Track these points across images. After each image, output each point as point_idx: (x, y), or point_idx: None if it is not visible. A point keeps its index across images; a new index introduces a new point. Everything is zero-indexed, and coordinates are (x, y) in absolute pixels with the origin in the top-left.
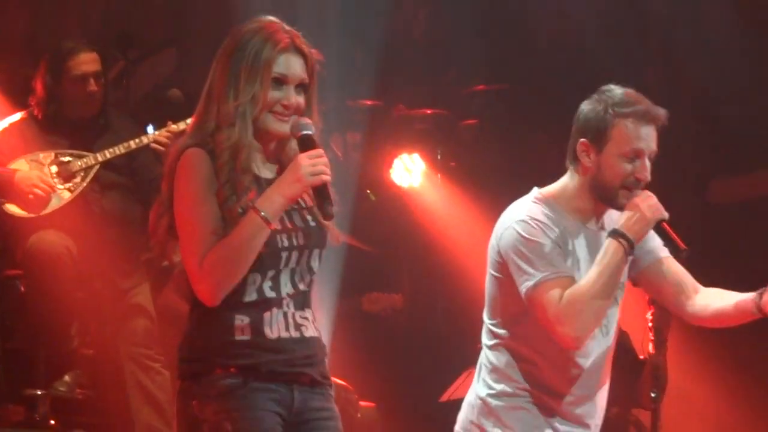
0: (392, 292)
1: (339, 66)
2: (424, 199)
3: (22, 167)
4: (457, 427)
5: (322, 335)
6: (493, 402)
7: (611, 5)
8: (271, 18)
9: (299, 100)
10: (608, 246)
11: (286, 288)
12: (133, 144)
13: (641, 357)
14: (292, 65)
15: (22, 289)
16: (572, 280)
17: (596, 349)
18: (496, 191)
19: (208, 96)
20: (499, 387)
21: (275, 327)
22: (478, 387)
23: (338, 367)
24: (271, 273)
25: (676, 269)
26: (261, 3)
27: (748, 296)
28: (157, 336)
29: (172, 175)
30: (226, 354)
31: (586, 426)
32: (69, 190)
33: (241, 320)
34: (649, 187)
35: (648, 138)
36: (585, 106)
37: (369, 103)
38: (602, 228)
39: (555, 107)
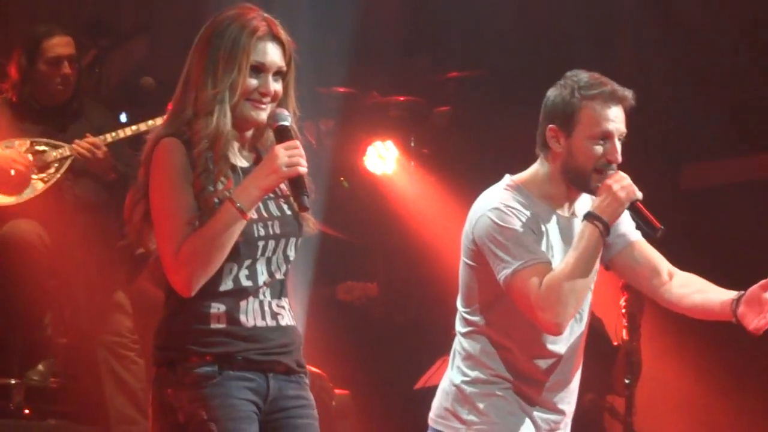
0: (367, 281)
1: (312, 53)
2: (397, 187)
3: None
4: (432, 414)
5: (297, 324)
6: (468, 389)
7: None
8: (249, 5)
9: (277, 87)
10: (584, 229)
11: (263, 277)
12: (109, 137)
13: (615, 343)
14: (270, 53)
15: None
16: (550, 266)
17: (570, 336)
18: (470, 178)
19: (185, 84)
20: (474, 374)
21: (251, 316)
22: (453, 374)
23: (313, 356)
24: (247, 262)
25: (649, 253)
26: None
27: (728, 299)
28: (132, 324)
29: (148, 163)
30: (202, 342)
31: (561, 412)
32: (43, 180)
33: (217, 308)
34: (621, 170)
35: (616, 119)
36: (552, 92)
37: (342, 90)
38: (574, 214)
39: (528, 94)
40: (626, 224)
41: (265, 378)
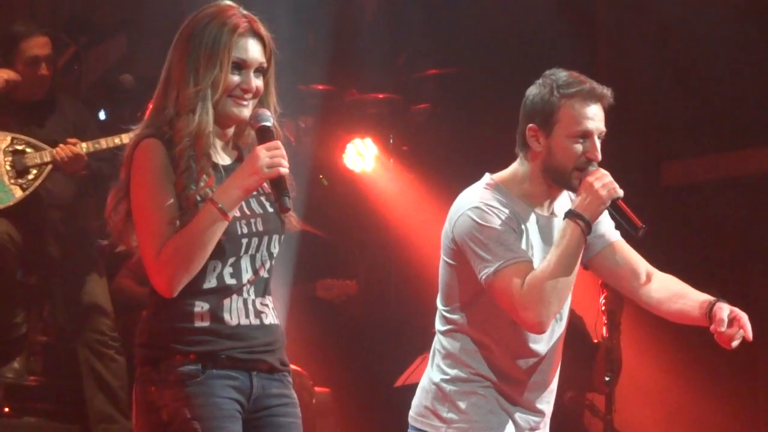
0: (346, 278)
1: (291, 51)
2: (376, 184)
3: None
4: (412, 412)
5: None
6: (448, 387)
7: None
8: (228, 2)
9: (258, 84)
10: (565, 228)
11: (247, 274)
12: (90, 147)
13: (595, 341)
14: (251, 49)
15: None
16: (531, 265)
17: (551, 335)
18: (449, 175)
19: (165, 82)
20: (453, 372)
21: (235, 314)
22: (432, 372)
23: (292, 353)
24: (231, 260)
25: (628, 253)
26: None
27: (704, 304)
28: (112, 322)
29: (129, 163)
30: (185, 340)
31: (540, 412)
32: (21, 187)
33: (201, 307)
34: (601, 167)
35: (595, 117)
36: (531, 91)
37: (321, 87)
38: (553, 214)
39: (507, 91)
40: (605, 224)
41: (249, 376)
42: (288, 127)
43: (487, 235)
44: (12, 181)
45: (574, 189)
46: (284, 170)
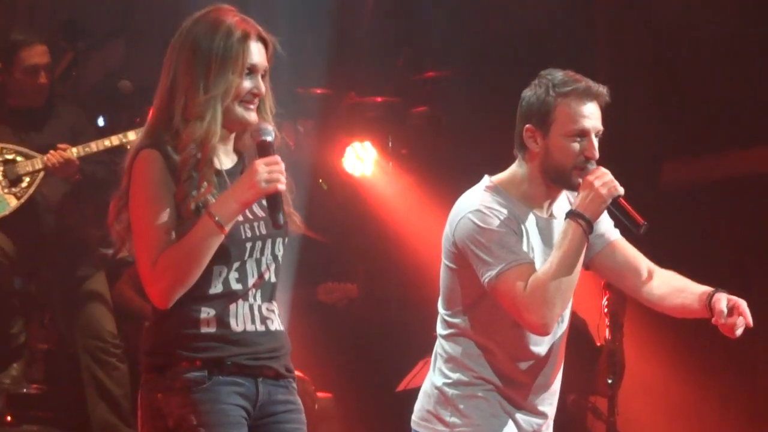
0: (347, 282)
1: (290, 54)
2: (376, 188)
3: None
4: (414, 416)
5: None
6: (450, 391)
7: None
8: (225, 6)
9: (265, 87)
10: (567, 228)
11: (252, 278)
12: (81, 151)
13: (598, 343)
14: (259, 54)
15: None
16: (534, 266)
17: (553, 337)
18: (448, 178)
19: (170, 89)
20: (455, 376)
21: (241, 320)
22: (434, 376)
23: (294, 358)
24: (236, 264)
25: (629, 252)
26: None
27: (703, 296)
28: (113, 329)
29: (129, 173)
30: (191, 347)
31: (543, 414)
32: (16, 196)
33: (207, 313)
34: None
35: (592, 116)
36: (527, 92)
37: (319, 91)
38: (552, 216)
39: (505, 93)
40: (605, 223)
41: (255, 383)
42: (287, 131)
43: (488, 238)
44: (6, 190)
45: (574, 188)
46: (281, 186)
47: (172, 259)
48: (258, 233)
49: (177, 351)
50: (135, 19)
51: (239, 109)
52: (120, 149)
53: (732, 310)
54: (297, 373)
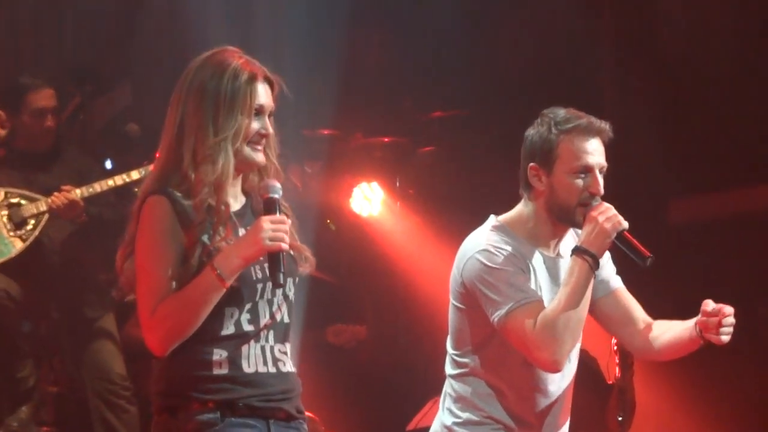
0: (356, 323)
1: (296, 96)
2: (384, 228)
3: None
4: None
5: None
6: (460, 430)
7: (565, 32)
8: (230, 48)
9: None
10: (573, 265)
11: (264, 319)
12: (86, 192)
13: (609, 382)
14: (266, 95)
15: None
16: (542, 304)
17: (562, 376)
18: (456, 217)
19: (178, 132)
20: (465, 415)
21: (252, 361)
22: (444, 416)
23: (304, 399)
24: (248, 305)
25: (630, 303)
26: (214, 33)
27: (690, 321)
28: (122, 370)
29: (137, 218)
30: (204, 389)
31: None
32: (21, 238)
33: (219, 354)
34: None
35: (595, 152)
36: (530, 131)
37: (326, 132)
38: (559, 255)
39: (512, 133)
40: (608, 270)
41: (266, 424)
42: (294, 172)
43: (496, 277)
44: (11, 233)
45: (579, 225)
46: (285, 246)
47: (171, 308)
48: (269, 274)
49: (189, 392)
50: (142, 63)
51: (247, 150)
52: (126, 189)
53: (718, 311)
54: (307, 413)
